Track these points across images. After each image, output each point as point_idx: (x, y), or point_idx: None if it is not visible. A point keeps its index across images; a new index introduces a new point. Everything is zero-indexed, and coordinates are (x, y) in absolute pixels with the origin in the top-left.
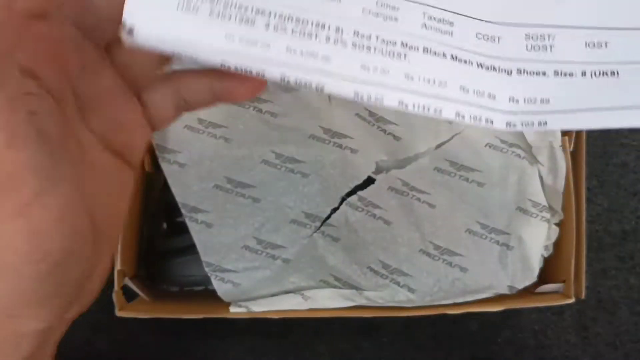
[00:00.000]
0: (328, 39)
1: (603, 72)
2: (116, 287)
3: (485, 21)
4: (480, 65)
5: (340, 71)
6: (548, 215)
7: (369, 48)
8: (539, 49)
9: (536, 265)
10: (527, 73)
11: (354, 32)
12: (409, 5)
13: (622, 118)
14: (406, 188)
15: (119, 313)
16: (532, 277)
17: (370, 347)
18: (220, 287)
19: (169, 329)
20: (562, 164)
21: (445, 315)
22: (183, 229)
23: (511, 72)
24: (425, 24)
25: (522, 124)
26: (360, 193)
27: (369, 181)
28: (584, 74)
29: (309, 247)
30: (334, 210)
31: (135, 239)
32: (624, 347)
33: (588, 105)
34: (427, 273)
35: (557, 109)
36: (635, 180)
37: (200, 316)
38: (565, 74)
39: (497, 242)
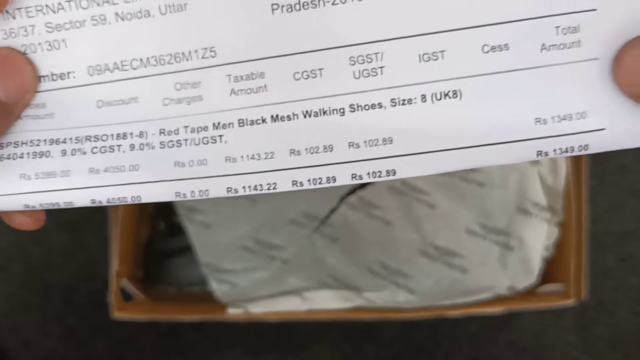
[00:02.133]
0: (132, 147)
1: (444, 94)
2: (113, 288)
3: (300, 53)
4: (307, 113)
5: (152, 177)
6: (548, 216)
7: (179, 143)
8: (369, 74)
9: (536, 265)
10: (361, 108)
11: (160, 131)
12: (210, 73)
13: (474, 157)
14: (406, 188)
15: (116, 314)
16: (532, 277)
17: (370, 349)
18: (218, 287)
19: (166, 329)
20: (562, 164)
21: (445, 317)
22: (181, 230)
23: (344, 111)
24: (233, 90)
25: (368, 175)
26: (359, 193)
27: None
28: (423, 98)
29: (307, 248)
30: (333, 210)
31: (133, 239)
32: (624, 347)
33: (435, 144)
34: (426, 274)
35: (403, 152)
36: (635, 180)
37: (198, 318)
38: (403, 102)
39: (497, 243)
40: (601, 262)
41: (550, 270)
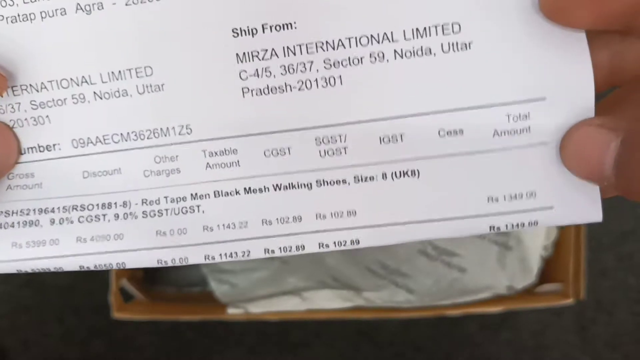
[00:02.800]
0: (117, 216)
1: (403, 173)
2: (113, 288)
3: (270, 133)
4: (277, 187)
5: (136, 245)
6: None
7: (160, 213)
8: (333, 153)
9: (535, 265)
10: (327, 184)
11: (142, 201)
12: (187, 148)
13: (431, 230)
14: None
15: (116, 315)
16: (531, 277)
17: (369, 348)
18: (218, 287)
19: (166, 330)
20: None
21: (444, 316)
22: None
23: (311, 185)
24: (208, 164)
25: (334, 244)
26: None
27: None
28: (384, 176)
29: None
30: None
31: None
32: (623, 347)
33: (395, 217)
34: (425, 273)
35: (366, 224)
36: None
37: (198, 318)
38: (366, 179)
39: (496, 242)
40: (600, 261)
41: (549, 270)
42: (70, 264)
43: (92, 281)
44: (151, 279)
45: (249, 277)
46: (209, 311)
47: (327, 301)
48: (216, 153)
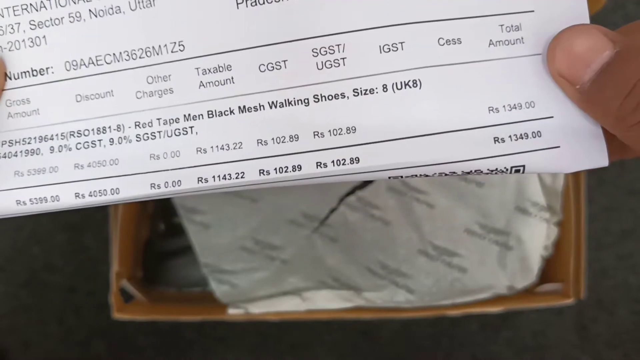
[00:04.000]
0: (112, 141)
1: (405, 83)
2: (113, 288)
3: (265, 45)
4: (273, 104)
5: (130, 170)
6: (547, 215)
7: (153, 135)
8: (331, 65)
9: (535, 265)
10: (325, 99)
11: (135, 124)
12: (179, 66)
13: (434, 147)
14: (405, 188)
15: (116, 315)
16: (532, 277)
17: (369, 348)
18: (218, 288)
19: (166, 330)
20: None
21: (444, 316)
22: (181, 230)
23: (308, 101)
24: (201, 82)
25: (333, 163)
26: (358, 193)
27: (368, 181)
28: (385, 88)
29: (307, 248)
30: (333, 210)
31: (133, 240)
32: (623, 346)
33: (397, 132)
34: (426, 273)
35: (366, 140)
36: (634, 179)
37: (198, 318)
38: (366, 92)
39: (496, 242)
40: (600, 261)
41: (549, 270)
42: (67, 192)
43: (93, 281)
44: (151, 280)
45: (249, 278)
46: (209, 311)
47: (327, 301)
48: (210, 70)
